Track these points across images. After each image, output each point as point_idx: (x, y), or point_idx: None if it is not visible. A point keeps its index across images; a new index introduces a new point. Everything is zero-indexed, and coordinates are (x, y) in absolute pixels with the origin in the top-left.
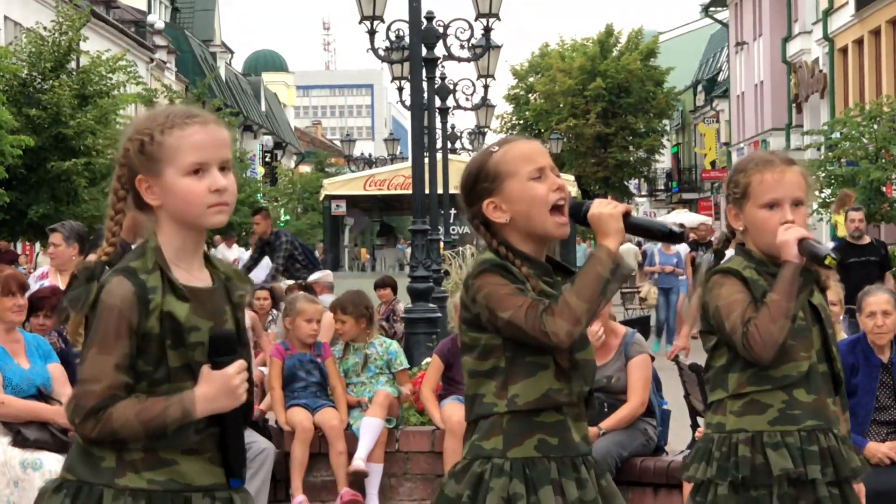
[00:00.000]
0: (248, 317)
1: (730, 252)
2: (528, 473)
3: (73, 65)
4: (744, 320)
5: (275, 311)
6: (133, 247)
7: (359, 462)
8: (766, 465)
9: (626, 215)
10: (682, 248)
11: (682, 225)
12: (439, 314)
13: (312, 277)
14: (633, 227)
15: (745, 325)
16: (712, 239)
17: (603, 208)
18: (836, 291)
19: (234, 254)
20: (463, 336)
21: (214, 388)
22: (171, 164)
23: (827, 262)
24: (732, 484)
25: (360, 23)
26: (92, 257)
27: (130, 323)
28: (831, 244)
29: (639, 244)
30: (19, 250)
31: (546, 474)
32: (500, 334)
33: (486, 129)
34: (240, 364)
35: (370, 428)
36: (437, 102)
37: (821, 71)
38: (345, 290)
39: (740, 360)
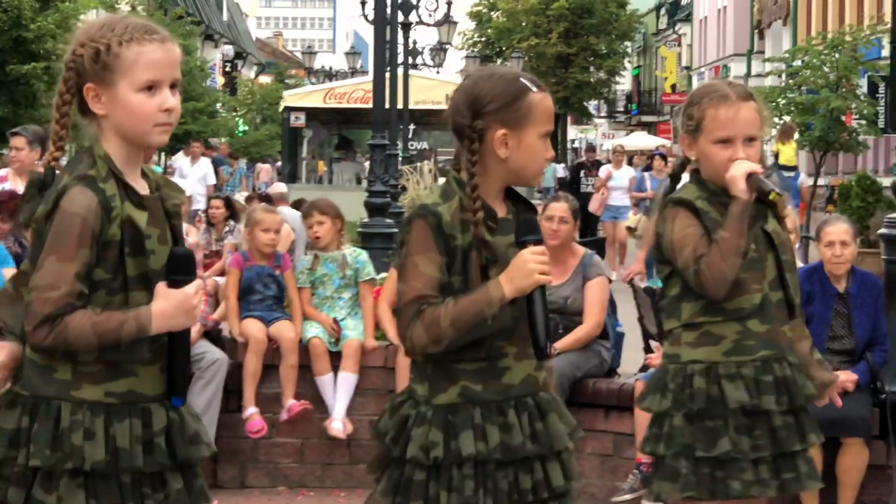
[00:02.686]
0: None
1: (686, 177)
2: (450, 419)
3: None
4: (695, 257)
5: (231, 222)
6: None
7: (337, 425)
8: (722, 396)
9: (535, 289)
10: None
11: None
12: (395, 229)
13: (271, 188)
14: (529, 302)
15: (697, 263)
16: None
17: (531, 263)
18: (792, 219)
19: (202, 167)
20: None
21: (172, 306)
22: (125, 77)
23: (771, 197)
24: (687, 415)
25: None
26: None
27: (94, 232)
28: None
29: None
30: None
31: (468, 420)
32: None
33: (447, 46)
34: (198, 284)
35: (345, 385)
36: (400, 17)
37: None
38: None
39: (693, 290)
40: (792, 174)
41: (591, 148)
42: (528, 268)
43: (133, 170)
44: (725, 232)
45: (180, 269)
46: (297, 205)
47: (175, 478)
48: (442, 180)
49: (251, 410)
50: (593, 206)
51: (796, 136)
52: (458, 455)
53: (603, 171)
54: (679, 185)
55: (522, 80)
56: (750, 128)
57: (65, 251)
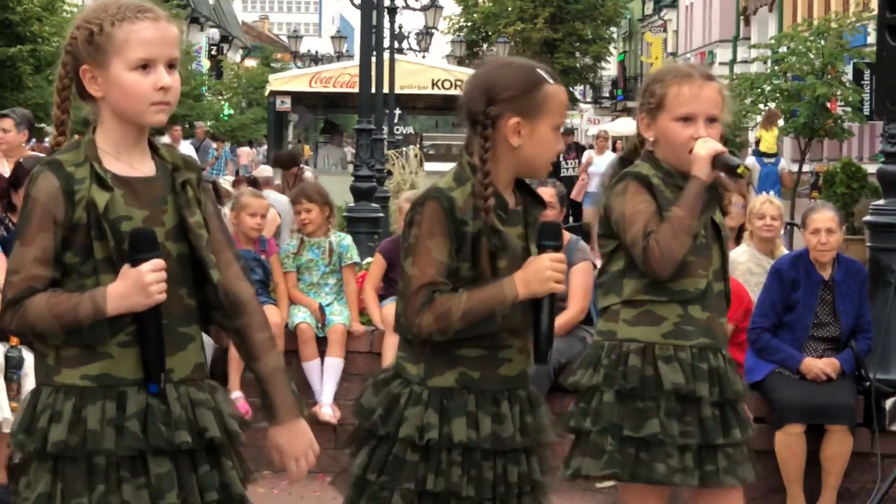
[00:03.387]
0: None
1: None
2: (445, 404)
3: None
4: (645, 233)
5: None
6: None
7: (327, 410)
8: (656, 377)
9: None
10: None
11: None
12: (381, 214)
13: (256, 172)
14: (536, 307)
15: (646, 239)
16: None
17: (549, 270)
18: (777, 206)
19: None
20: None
21: (127, 285)
22: (117, 56)
23: (739, 171)
24: (618, 392)
25: None
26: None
27: (55, 216)
28: (751, 159)
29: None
30: None
31: (462, 406)
32: None
33: (433, 31)
34: (155, 262)
35: (332, 370)
36: (386, 1)
37: None
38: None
39: (638, 267)
40: (773, 160)
41: (568, 131)
42: (545, 274)
43: (132, 150)
44: (680, 210)
45: (141, 248)
46: (285, 157)
47: (159, 462)
48: (430, 165)
49: (236, 395)
50: (574, 192)
51: (781, 122)
52: (450, 440)
53: (585, 156)
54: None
55: (539, 70)
56: (712, 107)
57: (26, 236)
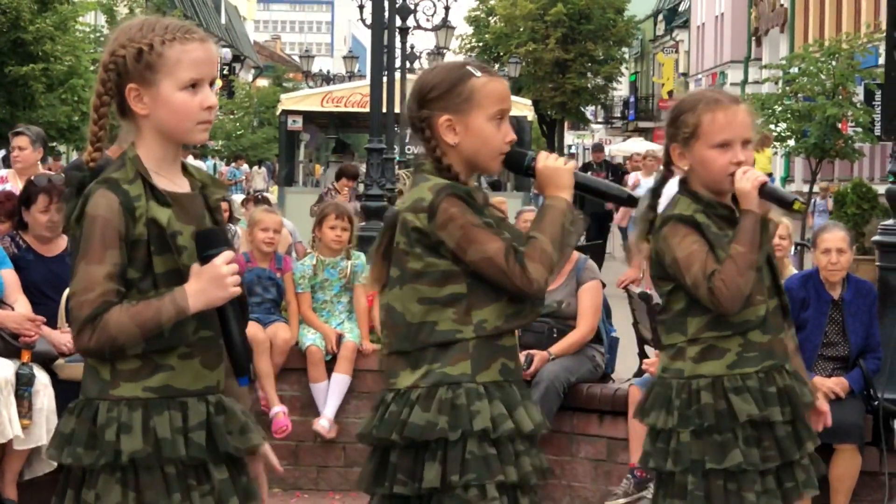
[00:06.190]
0: None
1: (667, 190)
2: (500, 396)
3: None
4: (706, 274)
5: (231, 226)
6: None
7: (323, 423)
8: (729, 410)
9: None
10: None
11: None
12: None
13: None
14: (583, 187)
15: (710, 280)
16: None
17: (553, 161)
18: (786, 225)
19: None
20: (411, 262)
21: (203, 281)
22: (168, 76)
23: (796, 207)
24: (695, 431)
25: None
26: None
27: (119, 232)
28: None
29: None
30: None
31: (514, 397)
32: (461, 264)
33: (445, 50)
34: (228, 255)
35: (338, 386)
36: (398, 21)
37: (781, 5)
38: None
39: (700, 305)
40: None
41: (598, 148)
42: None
43: (170, 168)
44: (740, 246)
45: (209, 245)
46: (351, 170)
47: (219, 469)
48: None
49: (276, 409)
50: (618, 217)
51: (791, 142)
52: (518, 431)
53: (631, 178)
54: (663, 199)
55: (467, 66)
56: (746, 130)
57: (93, 254)
